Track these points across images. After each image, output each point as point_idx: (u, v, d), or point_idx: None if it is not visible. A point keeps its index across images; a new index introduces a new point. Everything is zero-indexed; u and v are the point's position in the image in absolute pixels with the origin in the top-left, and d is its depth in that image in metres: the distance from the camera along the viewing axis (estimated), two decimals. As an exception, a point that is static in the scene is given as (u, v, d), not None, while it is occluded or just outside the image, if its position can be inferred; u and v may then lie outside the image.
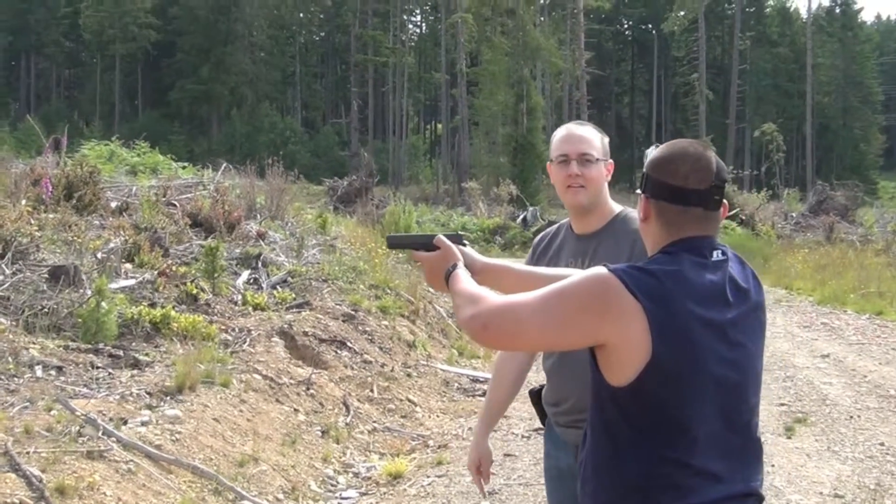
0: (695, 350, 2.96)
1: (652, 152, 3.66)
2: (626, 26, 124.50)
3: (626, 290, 2.93)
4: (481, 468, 4.69)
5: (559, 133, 4.62)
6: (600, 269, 3.02)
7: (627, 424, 3.01)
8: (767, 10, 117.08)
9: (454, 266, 3.55)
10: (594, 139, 4.47)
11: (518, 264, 3.93)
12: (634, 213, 4.34)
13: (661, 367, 2.91)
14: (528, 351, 4.63)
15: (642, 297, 2.92)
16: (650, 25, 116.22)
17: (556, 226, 4.84)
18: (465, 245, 3.74)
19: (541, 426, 4.60)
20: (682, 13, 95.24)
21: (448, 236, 3.74)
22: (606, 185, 4.50)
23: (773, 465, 9.30)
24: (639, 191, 3.29)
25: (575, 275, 3.10)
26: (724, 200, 3.24)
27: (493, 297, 3.19)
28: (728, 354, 3.05)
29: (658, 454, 2.97)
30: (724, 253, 3.18)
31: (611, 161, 4.49)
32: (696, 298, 2.99)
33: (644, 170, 3.25)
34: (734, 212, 35.86)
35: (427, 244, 3.73)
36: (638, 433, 2.99)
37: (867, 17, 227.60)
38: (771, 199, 45.80)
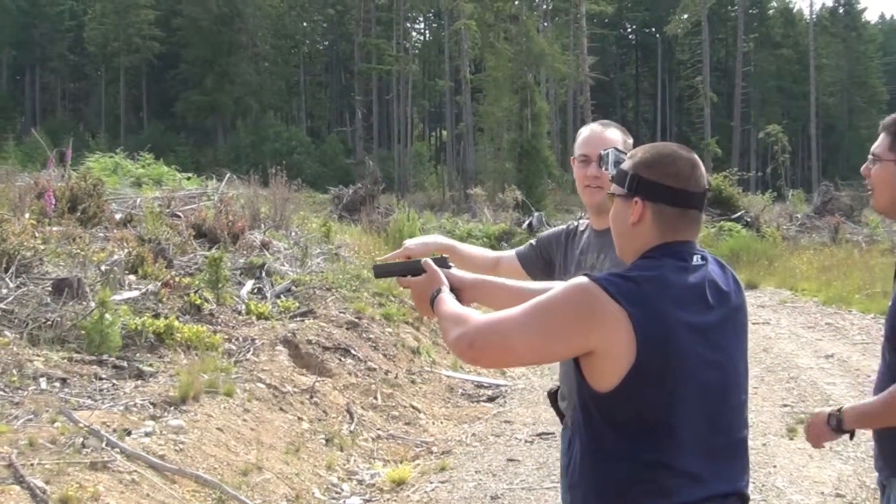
0: (678, 353, 3.00)
1: (612, 154, 3.71)
2: (629, 30, 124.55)
3: (609, 297, 2.98)
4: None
5: (583, 132, 4.72)
6: (582, 279, 3.07)
7: (612, 428, 3.05)
8: (770, 11, 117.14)
9: (438, 290, 3.60)
10: (616, 141, 4.52)
11: (507, 280, 3.97)
12: None
13: (646, 371, 2.96)
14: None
15: (625, 302, 2.97)
16: (653, 29, 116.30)
17: (567, 225, 4.92)
18: (450, 267, 3.79)
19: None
20: (686, 16, 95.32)
21: (433, 260, 3.79)
22: None
23: (775, 466, 9.35)
24: (616, 190, 3.32)
25: (558, 286, 3.14)
26: None
27: (477, 317, 3.25)
28: (711, 357, 3.10)
29: (642, 457, 3.01)
30: (703, 257, 3.24)
31: None
32: (678, 302, 3.05)
33: (631, 171, 3.27)
34: (739, 213, 35.83)
35: (413, 270, 3.78)
36: (622, 436, 3.04)
37: (871, 16, 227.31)
38: (776, 200, 45.73)
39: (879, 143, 3.87)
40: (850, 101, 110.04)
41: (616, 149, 4.03)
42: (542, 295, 3.15)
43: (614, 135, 4.59)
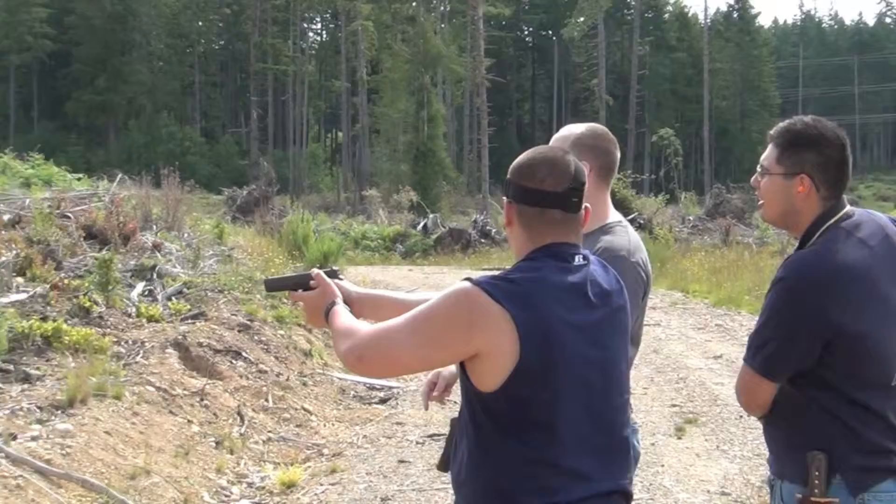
0: (561, 353, 3.06)
1: None
2: (526, 33, 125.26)
3: (491, 299, 3.02)
4: None
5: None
6: (463, 284, 3.11)
7: (497, 428, 3.10)
8: (666, 15, 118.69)
9: (333, 303, 3.64)
10: (565, 140, 4.55)
11: (391, 292, 4.00)
12: (617, 231, 4.44)
13: (529, 371, 3.01)
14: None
15: (507, 304, 3.01)
16: (550, 32, 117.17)
17: None
18: (341, 279, 3.81)
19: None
20: (582, 19, 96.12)
21: (325, 272, 3.81)
22: (597, 187, 4.55)
23: (662, 465, 9.47)
24: (504, 198, 3.39)
25: (441, 293, 3.18)
26: (587, 205, 3.35)
27: (365, 328, 3.31)
28: (592, 355, 3.16)
29: (527, 455, 3.07)
30: (585, 257, 3.28)
31: (584, 162, 4.45)
32: (559, 302, 3.10)
33: (507, 177, 3.34)
34: (632, 216, 36.16)
35: (304, 284, 3.79)
36: (507, 436, 3.09)
37: (764, 21, 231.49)
38: (669, 202, 46.25)
39: (768, 155, 3.93)
40: (743, 104, 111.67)
41: None
42: (426, 303, 3.21)
43: (568, 132, 4.64)
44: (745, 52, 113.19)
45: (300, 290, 3.83)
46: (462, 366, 3.15)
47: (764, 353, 3.77)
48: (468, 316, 3.04)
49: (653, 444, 10.26)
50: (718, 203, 43.74)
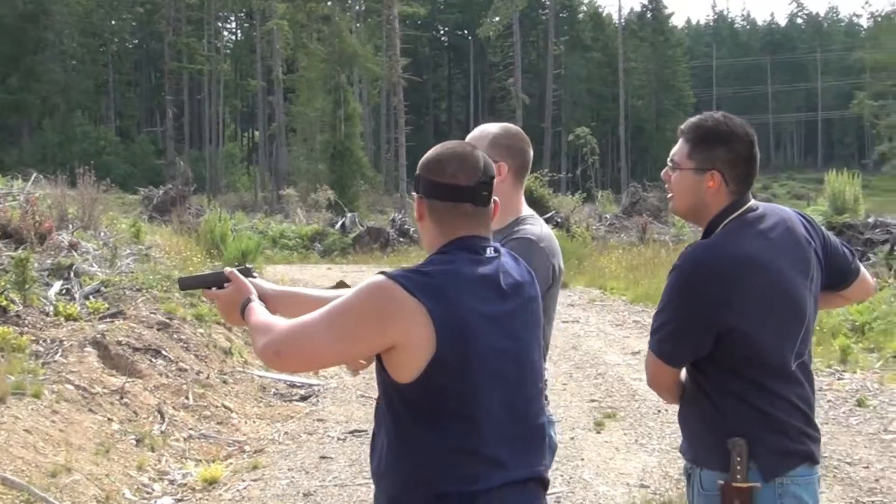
0: (476, 344, 3.11)
1: None
2: (441, 32, 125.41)
3: (406, 291, 3.07)
4: None
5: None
6: (377, 277, 3.16)
7: (415, 418, 3.14)
8: (580, 15, 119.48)
9: (248, 300, 3.66)
10: (481, 140, 4.59)
11: (307, 289, 4.03)
12: (530, 222, 4.49)
13: (445, 362, 3.05)
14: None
15: (421, 296, 3.06)
16: (466, 31, 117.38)
17: None
18: (255, 277, 3.83)
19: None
20: (497, 19, 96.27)
21: (239, 269, 3.82)
22: (513, 186, 4.61)
23: (582, 459, 9.57)
24: (414, 193, 3.42)
25: (356, 287, 3.22)
26: (496, 198, 3.40)
27: (282, 324, 3.33)
28: (506, 346, 3.21)
29: (445, 445, 3.11)
30: (496, 250, 3.34)
31: (502, 162, 4.52)
32: (472, 293, 3.16)
33: (417, 172, 3.39)
34: (549, 214, 36.35)
35: (218, 282, 3.80)
36: (426, 426, 3.13)
37: (677, 21, 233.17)
38: (586, 201, 46.52)
39: (678, 150, 3.99)
40: (658, 103, 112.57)
41: None
42: (342, 297, 3.25)
43: (481, 133, 4.69)
44: (660, 52, 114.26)
45: (214, 289, 3.84)
46: (378, 358, 3.19)
47: (659, 338, 3.88)
48: (383, 309, 3.09)
49: (572, 439, 10.36)
50: (635, 201, 44.11)
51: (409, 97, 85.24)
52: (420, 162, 3.40)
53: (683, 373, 3.99)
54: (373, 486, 3.40)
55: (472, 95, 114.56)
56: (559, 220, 35.87)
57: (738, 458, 3.73)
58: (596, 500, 8.38)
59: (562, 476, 9.02)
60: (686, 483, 4.08)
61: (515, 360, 3.27)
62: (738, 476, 3.72)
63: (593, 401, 12.23)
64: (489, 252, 3.30)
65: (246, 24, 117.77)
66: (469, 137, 4.69)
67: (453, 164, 3.31)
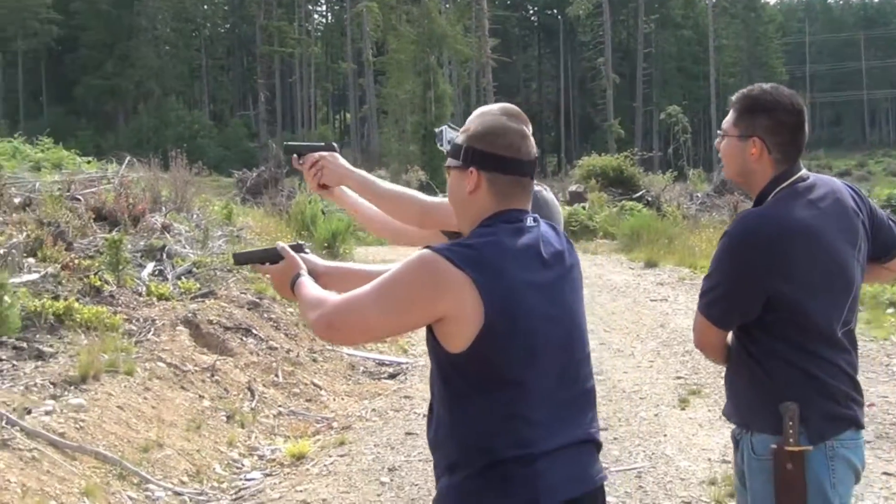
0: (522, 312, 3.18)
1: (445, 129, 3.89)
2: (531, 12, 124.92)
3: (452, 265, 3.13)
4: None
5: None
6: (424, 252, 3.22)
7: (468, 387, 3.21)
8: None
9: (298, 274, 3.72)
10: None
11: (357, 264, 4.15)
12: (538, 187, 4.58)
13: (493, 331, 3.11)
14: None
15: (468, 268, 3.12)
16: (555, 10, 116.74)
17: None
18: (306, 252, 3.93)
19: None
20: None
21: (290, 246, 3.92)
22: None
23: (665, 435, 9.59)
24: (451, 163, 3.48)
25: (404, 260, 3.29)
26: None
27: (333, 297, 3.39)
28: (552, 312, 3.27)
29: (498, 411, 3.18)
30: (535, 219, 3.40)
31: None
32: (516, 263, 3.22)
33: (465, 144, 3.42)
34: (640, 193, 36.21)
35: (271, 257, 3.91)
36: (477, 393, 3.20)
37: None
38: (677, 179, 46.21)
39: (727, 119, 4.15)
40: (749, 81, 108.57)
41: (449, 125, 4.21)
42: (391, 271, 3.32)
43: (488, 110, 4.76)
44: (751, 29, 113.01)
45: (267, 264, 3.95)
46: (430, 329, 3.26)
47: (707, 301, 3.97)
48: (432, 283, 3.16)
49: (656, 415, 10.39)
50: (726, 180, 43.67)
51: (499, 77, 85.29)
52: (472, 135, 3.43)
53: (730, 336, 4.06)
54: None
55: (562, 75, 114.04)
56: (649, 198, 35.69)
57: (791, 422, 3.79)
58: (677, 475, 8.41)
59: (644, 451, 9.07)
60: (734, 448, 4.14)
61: (562, 327, 3.33)
62: (791, 440, 3.79)
63: (679, 378, 12.23)
64: (529, 222, 3.37)
65: (336, 7, 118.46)
66: (469, 119, 4.78)
67: (517, 139, 3.39)
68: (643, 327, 15.41)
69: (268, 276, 3.97)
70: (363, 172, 4.63)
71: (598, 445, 3.44)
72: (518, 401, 3.20)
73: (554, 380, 3.27)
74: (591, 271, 23.13)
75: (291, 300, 3.80)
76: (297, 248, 3.92)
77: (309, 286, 3.61)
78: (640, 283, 21.01)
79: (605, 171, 38.50)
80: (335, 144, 4.52)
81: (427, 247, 3.26)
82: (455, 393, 3.26)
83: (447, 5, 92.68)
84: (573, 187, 39.01)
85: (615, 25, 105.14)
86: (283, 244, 3.92)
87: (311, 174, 4.54)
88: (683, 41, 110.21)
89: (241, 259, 4.16)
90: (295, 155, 4.63)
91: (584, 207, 34.03)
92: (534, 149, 3.43)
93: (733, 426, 4.18)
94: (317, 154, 4.51)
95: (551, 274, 3.33)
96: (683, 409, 10.73)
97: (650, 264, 23.91)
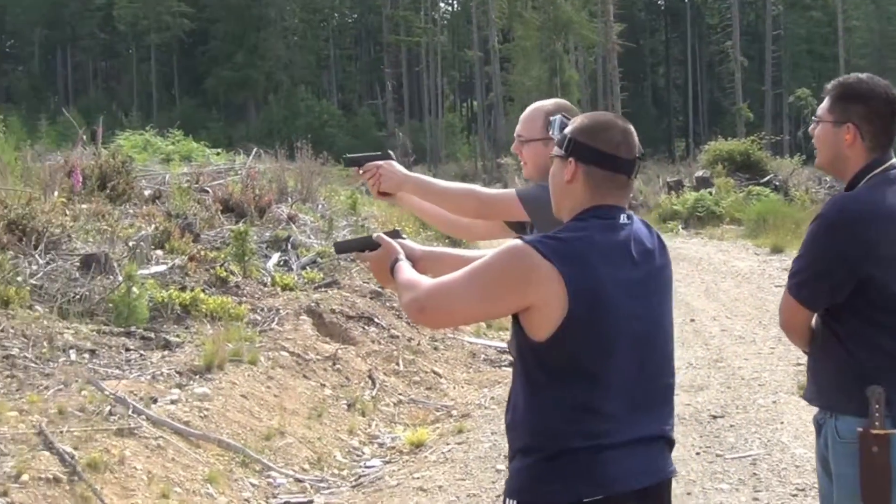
0: (606, 306, 3.27)
1: (559, 119, 3.96)
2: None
3: (542, 256, 3.23)
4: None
5: None
6: (516, 242, 3.33)
7: (546, 375, 3.32)
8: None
9: (396, 259, 3.82)
10: (535, 117, 4.83)
11: (452, 249, 4.27)
12: None
13: (576, 323, 3.22)
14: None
15: (556, 261, 3.22)
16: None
17: None
18: (404, 238, 4.04)
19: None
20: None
21: (387, 233, 4.04)
22: None
23: (782, 423, 9.56)
24: (555, 151, 3.57)
25: (496, 250, 3.40)
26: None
27: (426, 281, 3.52)
28: (636, 309, 3.36)
29: (572, 401, 3.28)
30: (629, 217, 3.48)
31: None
32: (604, 259, 3.31)
33: (569, 135, 3.51)
34: (768, 178, 35.80)
35: (371, 245, 4.02)
36: (555, 382, 3.30)
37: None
38: (806, 163, 45.63)
39: (822, 106, 4.21)
40: (881, 62, 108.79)
41: (563, 115, 4.30)
42: (482, 259, 3.43)
43: (532, 114, 4.88)
44: (883, 9, 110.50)
45: (366, 251, 4.06)
46: (515, 317, 3.36)
47: (797, 281, 4.00)
48: (522, 272, 3.26)
49: (774, 402, 10.36)
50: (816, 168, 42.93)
51: (626, 63, 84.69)
52: (577, 127, 3.52)
53: (815, 319, 4.09)
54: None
55: (689, 59, 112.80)
56: (777, 183, 35.28)
57: (877, 406, 3.81)
58: (792, 462, 8.39)
59: (759, 439, 9.06)
60: (816, 434, 4.16)
61: (645, 323, 3.41)
62: (877, 423, 3.81)
63: (799, 364, 12.09)
64: (623, 219, 3.45)
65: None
66: (524, 115, 4.90)
67: (618, 136, 3.46)
68: (766, 314, 15.28)
69: (367, 263, 4.10)
70: (419, 175, 4.91)
71: (670, 442, 3.53)
72: (593, 393, 3.29)
73: (631, 375, 3.34)
74: (717, 257, 23.02)
75: (390, 286, 3.92)
76: (394, 235, 4.03)
77: (405, 270, 3.72)
78: (765, 269, 20.83)
79: (732, 155, 38.06)
80: (391, 152, 4.82)
81: (519, 237, 3.37)
82: (533, 380, 3.36)
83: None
84: (699, 173, 38.73)
85: (743, 8, 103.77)
86: (379, 234, 4.02)
87: (371, 182, 4.77)
88: (813, 23, 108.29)
89: (342, 247, 4.30)
90: (355, 167, 4.86)
91: (710, 193, 33.77)
92: (636, 149, 3.49)
93: (816, 410, 4.21)
94: (374, 163, 4.76)
95: (639, 272, 3.41)
96: (802, 396, 10.67)
97: (776, 250, 23.68)
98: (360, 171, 4.87)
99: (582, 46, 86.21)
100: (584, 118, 3.58)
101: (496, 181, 55.35)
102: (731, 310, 16.19)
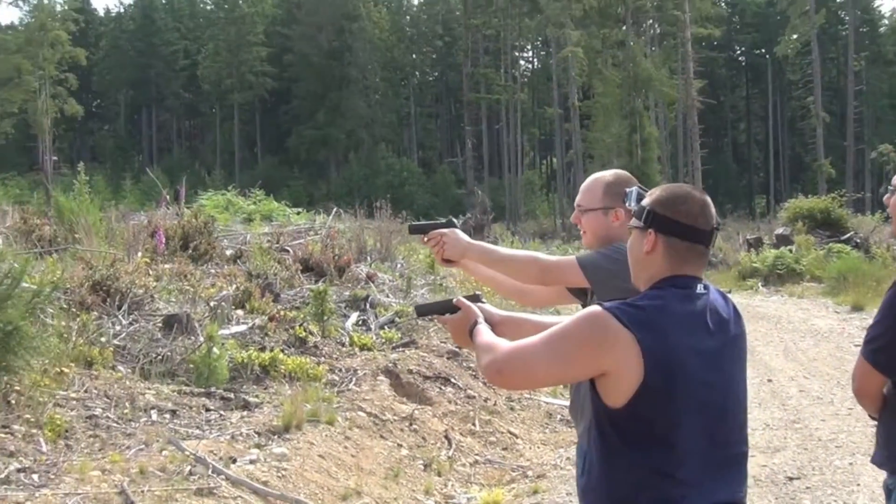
0: (682, 374, 3.35)
1: (635, 191, 4.06)
2: (738, 52, 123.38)
3: (620, 324, 3.33)
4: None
5: None
6: (595, 308, 3.43)
7: (621, 440, 3.40)
8: (882, 28, 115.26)
9: (475, 323, 3.94)
10: (595, 187, 4.96)
11: (531, 314, 4.36)
12: None
13: (652, 391, 3.31)
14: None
15: (634, 328, 3.32)
16: (763, 50, 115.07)
17: None
18: (483, 302, 4.15)
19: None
20: (795, 36, 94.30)
21: (467, 297, 4.15)
22: (623, 229, 4.75)
23: (858, 485, 9.52)
24: (634, 223, 3.68)
25: (574, 315, 3.50)
26: None
27: (505, 344, 3.62)
28: (710, 378, 3.44)
29: (647, 467, 3.36)
30: (706, 287, 3.58)
31: (619, 209, 4.85)
32: (681, 328, 3.40)
33: (648, 207, 3.62)
34: (848, 235, 35.53)
35: (451, 308, 4.13)
36: (631, 448, 3.39)
37: None
38: (887, 220, 45.19)
39: None
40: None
41: (639, 187, 4.41)
42: (560, 324, 3.53)
43: (592, 184, 5.04)
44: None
45: (447, 314, 4.17)
46: (591, 382, 3.46)
47: (873, 348, 4.03)
48: (599, 338, 3.36)
49: (851, 464, 10.31)
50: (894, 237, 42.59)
51: (707, 119, 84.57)
52: (656, 199, 3.64)
53: (887, 385, 4.11)
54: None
55: (770, 115, 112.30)
56: (857, 240, 34.99)
57: None
58: (865, 527, 8.39)
59: (835, 501, 9.03)
60: (886, 497, 4.18)
61: (719, 392, 3.49)
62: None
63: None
64: (699, 289, 3.55)
65: (542, 53, 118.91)
66: (584, 185, 5.03)
67: (696, 208, 3.58)
68: (845, 374, 15.15)
69: (447, 325, 4.20)
70: (482, 243, 5.08)
71: None
72: (667, 459, 3.37)
73: (705, 442, 3.42)
74: (796, 315, 22.86)
75: (468, 348, 4.01)
76: (474, 299, 4.15)
77: (484, 333, 3.83)
78: (844, 328, 20.67)
79: (813, 212, 37.85)
80: (455, 220, 5.06)
81: (598, 303, 3.45)
82: (609, 445, 3.44)
83: (653, 48, 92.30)
84: (780, 230, 38.52)
85: (824, 63, 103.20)
86: (459, 297, 4.14)
87: (436, 250, 4.93)
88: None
89: (423, 310, 4.43)
90: (420, 234, 5.05)
91: (790, 250, 33.57)
92: (713, 220, 3.60)
93: (885, 475, 4.23)
94: (438, 231, 4.98)
95: (714, 341, 3.49)
96: (871, 459, 10.60)
97: (856, 308, 23.50)
98: (426, 240, 5.05)
99: (662, 103, 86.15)
100: (662, 191, 3.69)
101: (575, 238, 55.29)
102: (809, 370, 16.09)
